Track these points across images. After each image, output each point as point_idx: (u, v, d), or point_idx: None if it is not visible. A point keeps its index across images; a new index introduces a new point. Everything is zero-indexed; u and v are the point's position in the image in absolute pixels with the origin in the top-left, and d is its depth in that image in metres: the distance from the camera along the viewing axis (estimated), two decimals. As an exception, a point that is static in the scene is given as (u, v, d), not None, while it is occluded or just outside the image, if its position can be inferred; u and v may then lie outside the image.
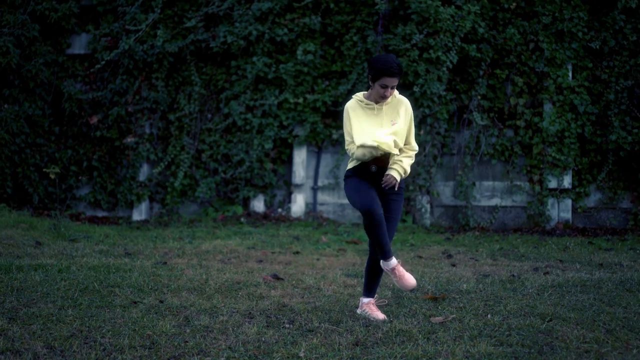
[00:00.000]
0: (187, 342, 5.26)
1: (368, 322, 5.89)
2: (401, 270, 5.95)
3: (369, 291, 6.24)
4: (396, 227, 6.18)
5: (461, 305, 6.47)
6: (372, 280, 6.26)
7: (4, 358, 4.76)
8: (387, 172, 5.93)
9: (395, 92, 5.99)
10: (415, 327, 5.72)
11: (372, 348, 5.20)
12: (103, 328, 5.53)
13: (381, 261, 6.01)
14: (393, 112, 5.97)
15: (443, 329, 5.67)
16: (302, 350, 5.12)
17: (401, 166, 5.94)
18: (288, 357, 4.98)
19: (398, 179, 5.92)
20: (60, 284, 6.93)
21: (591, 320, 5.86)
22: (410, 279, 5.94)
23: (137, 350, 5.03)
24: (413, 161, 6.08)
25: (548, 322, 5.81)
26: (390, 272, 5.96)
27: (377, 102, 5.95)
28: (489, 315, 6.06)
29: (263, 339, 5.39)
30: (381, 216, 5.85)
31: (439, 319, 5.98)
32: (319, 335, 5.53)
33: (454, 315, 6.06)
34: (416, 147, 6.10)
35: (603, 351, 5.09)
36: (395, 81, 5.82)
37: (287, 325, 5.81)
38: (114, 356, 4.90)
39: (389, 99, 5.95)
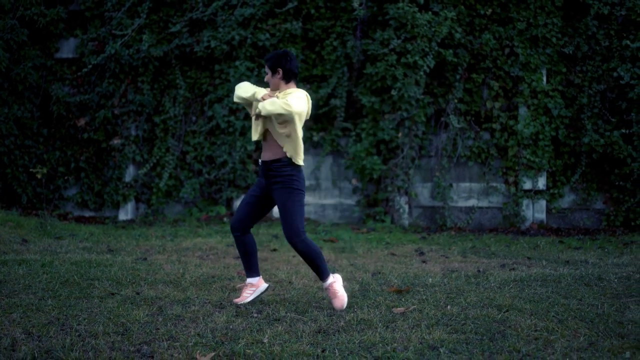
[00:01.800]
0: (158, 329, 5.56)
1: (332, 312, 6.20)
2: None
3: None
4: (290, 219, 6.33)
5: (424, 297, 6.78)
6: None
7: (-17, 343, 5.06)
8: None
9: (290, 89, 6.41)
10: (376, 316, 6.03)
11: (333, 335, 5.50)
12: (80, 316, 5.83)
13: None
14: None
15: (403, 318, 5.98)
16: (266, 336, 5.42)
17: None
18: (253, 343, 5.27)
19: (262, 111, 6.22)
20: (42, 277, 7.23)
21: (545, 311, 6.16)
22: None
23: (110, 336, 5.33)
24: (279, 106, 6.16)
25: (504, 312, 6.11)
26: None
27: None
28: (448, 307, 6.37)
29: (231, 327, 5.69)
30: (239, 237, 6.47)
31: (400, 309, 6.28)
32: (284, 323, 5.84)
33: (415, 306, 6.36)
34: (292, 105, 6.19)
35: (552, 338, 5.39)
36: (265, 64, 6.50)
37: (255, 315, 6.11)
38: (87, 341, 5.19)
39: (284, 93, 6.36)
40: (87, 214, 14.00)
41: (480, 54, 13.00)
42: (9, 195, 13.80)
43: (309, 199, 13.48)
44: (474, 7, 13.04)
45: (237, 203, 13.54)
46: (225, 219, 12.97)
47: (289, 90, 6.38)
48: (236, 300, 6.52)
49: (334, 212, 13.38)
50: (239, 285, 7.09)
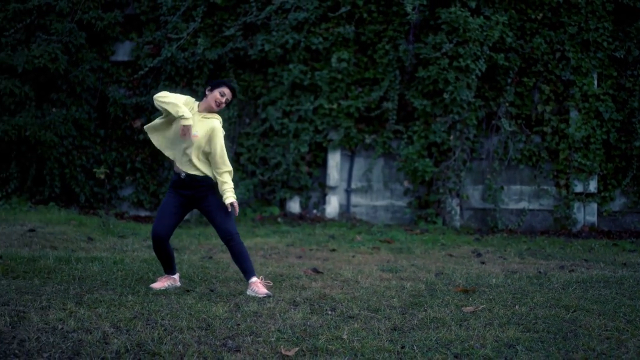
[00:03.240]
0: (239, 324, 5.75)
1: (404, 310, 6.36)
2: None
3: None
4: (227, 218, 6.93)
5: (490, 297, 6.91)
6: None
7: (76, 335, 5.26)
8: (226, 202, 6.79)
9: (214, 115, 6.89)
10: (448, 315, 6.17)
11: (409, 332, 5.65)
12: (162, 312, 6.03)
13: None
14: (206, 127, 6.80)
15: (474, 317, 6.12)
16: (345, 333, 5.59)
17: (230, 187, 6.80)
18: (332, 339, 5.44)
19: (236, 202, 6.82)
20: (117, 274, 7.46)
21: (613, 312, 6.27)
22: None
23: (194, 331, 5.52)
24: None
25: (572, 312, 6.23)
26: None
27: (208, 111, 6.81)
28: (516, 306, 6.49)
29: (308, 323, 5.86)
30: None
31: (470, 308, 6.42)
32: (359, 320, 6.00)
33: (484, 306, 6.50)
34: (229, 167, 6.88)
35: (623, 338, 5.50)
36: (230, 95, 6.83)
37: (329, 312, 6.28)
38: (174, 335, 5.38)
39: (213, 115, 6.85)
40: (143, 213, 14.27)
41: (531, 58, 13.10)
42: (67, 195, 14.09)
43: (360, 200, 13.66)
44: (525, 12, 13.14)
45: (290, 204, 13.73)
46: (279, 220, 13.16)
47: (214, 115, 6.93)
48: (153, 284, 7.05)
49: (385, 213, 13.54)
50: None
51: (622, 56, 12.86)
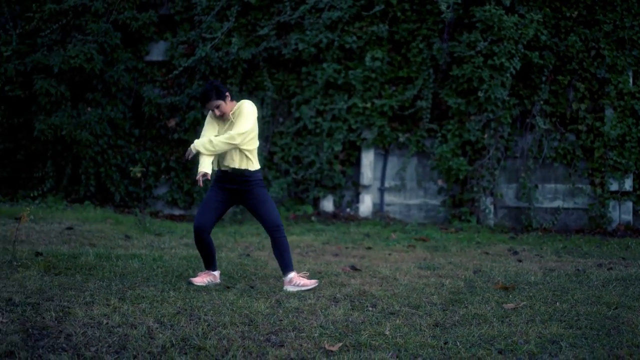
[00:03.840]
0: (281, 320, 5.80)
1: (445, 307, 6.38)
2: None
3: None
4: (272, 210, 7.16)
5: (530, 294, 6.91)
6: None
7: (121, 330, 5.33)
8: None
9: (239, 104, 7.07)
10: (489, 311, 6.19)
11: (451, 329, 5.67)
12: (204, 307, 6.09)
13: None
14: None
15: (515, 313, 6.13)
16: (387, 329, 5.62)
17: (200, 142, 6.95)
18: (375, 335, 5.47)
19: (192, 150, 6.96)
20: (157, 271, 7.53)
21: (654, 309, 6.28)
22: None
23: (238, 327, 5.58)
24: (223, 143, 6.90)
25: (614, 309, 6.23)
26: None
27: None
28: (557, 303, 6.50)
29: (350, 320, 5.90)
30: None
31: (511, 305, 6.43)
32: (400, 317, 6.03)
33: (524, 303, 6.51)
34: (236, 138, 6.91)
35: (666, 335, 5.51)
36: (213, 104, 6.95)
37: (370, 308, 6.31)
38: (218, 330, 5.44)
39: (231, 114, 7.04)
40: (177, 212, 14.36)
41: (566, 56, 13.05)
42: (102, 193, 14.21)
43: (393, 199, 13.67)
44: (559, 10, 13.09)
45: (323, 203, 13.77)
46: (313, 218, 13.21)
47: (236, 106, 7.11)
48: (194, 279, 7.12)
49: (418, 212, 13.54)
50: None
51: (658, 54, 12.80)
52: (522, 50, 12.78)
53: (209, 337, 5.26)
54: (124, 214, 12.94)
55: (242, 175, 7.04)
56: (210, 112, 7.06)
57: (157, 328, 5.44)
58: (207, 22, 14.11)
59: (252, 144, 7.06)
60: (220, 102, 6.89)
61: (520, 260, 9.23)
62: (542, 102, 13.07)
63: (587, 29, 12.99)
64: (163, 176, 14.40)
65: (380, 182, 13.73)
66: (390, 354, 5.04)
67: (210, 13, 14.16)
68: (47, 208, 12.70)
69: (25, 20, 14.66)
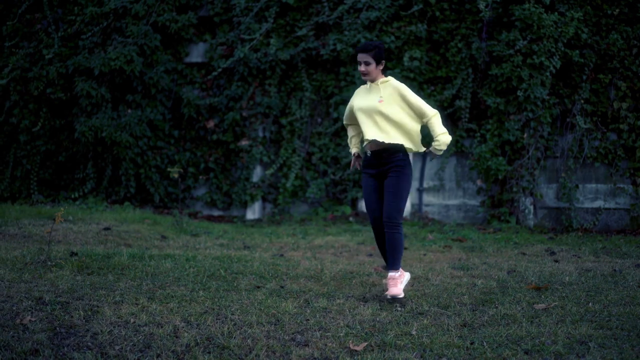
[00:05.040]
0: (308, 320, 5.79)
1: (475, 307, 6.32)
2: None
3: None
4: (397, 199, 6.64)
5: (563, 294, 6.82)
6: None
7: (147, 329, 5.36)
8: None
9: (390, 78, 6.74)
10: (519, 312, 6.12)
11: (479, 329, 5.62)
12: (232, 307, 6.10)
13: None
14: (386, 93, 6.68)
15: (546, 314, 6.06)
16: (414, 329, 5.59)
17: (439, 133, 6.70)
18: (401, 334, 5.45)
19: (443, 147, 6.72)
20: (189, 271, 7.57)
21: (689, 310, 6.16)
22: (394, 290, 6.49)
23: (264, 326, 5.58)
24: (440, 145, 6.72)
25: (648, 310, 6.13)
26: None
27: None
28: (590, 304, 6.41)
29: (377, 319, 5.87)
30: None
31: (542, 305, 6.36)
32: (428, 317, 5.99)
33: (556, 303, 6.43)
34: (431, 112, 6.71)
35: (701, 336, 5.40)
36: (365, 57, 6.64)
37: (399, 309, 6.28)
38: (244, 330, 5.45)
39: (381, 81, 6.71)
40: (216, 213, 14.43)
41: (607, 54, 12.87)
42: (142, 194, 14.32)
43: (432, 199, 13.59)
44: (600, 7, 12.92)
45: (361, 203, 13.73)
46: (351, 219, 13.18)
47: (385, 79, 6.75)
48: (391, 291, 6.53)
49: (457, 212, 13.45)
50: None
51: (701, 51, 12.58)
52: (562, 48, 12.63)
53: (234, 336, 5.27)
54: (163, 215, 13.04)
55: (380, 157, 6.71)
56: (362, 87, 6.89)
57: (183, 327, 5.47)
58: (246, 23, 14.16)
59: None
60: (373, 62, 6.66)
61: (557, 261, 9.12)
62: (582, 101, 12.91)
63: (628, 27, 12.80)
64: (201, 177, 14.48)
65: (419, 183, 13.67)
66: (414, 353, 5.02)
67: (249, 14, 14.20)
68: (87, 209, 12.84)
69: (67, 23, 14.87)
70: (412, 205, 13.63)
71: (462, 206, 13.49)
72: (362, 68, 6.66)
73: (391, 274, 6.57)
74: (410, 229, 12.21)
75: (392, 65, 13.60)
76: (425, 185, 13.64)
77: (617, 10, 12.86)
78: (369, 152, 6.71)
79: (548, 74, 12.61)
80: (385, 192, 6.62)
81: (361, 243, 10.66)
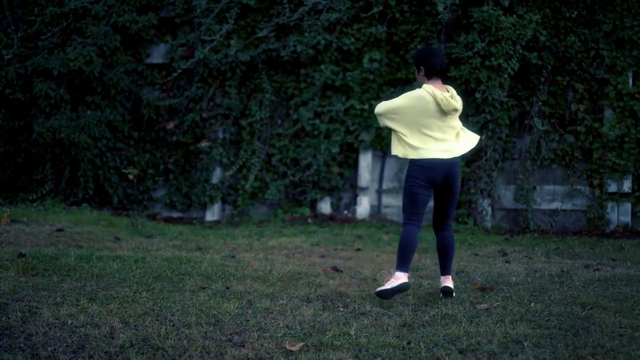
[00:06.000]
0: (248, 320, 5.76)
1: (417, 307, 6.32)
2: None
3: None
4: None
5: (507, 295, 6.84)
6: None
7: (84, 330, 5.32)
8: None
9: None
10: (460, 312, 6.13)
11: (418, 329, 5.62)
12: (173, 308, 6.06)
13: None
14: None
15: (487, 314, 6.06)
16: (353, 329, 5.58)
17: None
18: (340, 335, 5.43)
19: None
20: (135, 272, 7.52)
21: (630, 309, 6.17)
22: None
23: (202, 327, 5.55)
24: None
25: (588, 310, 6.14)
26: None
27: None
28: (532, 304, 6.42)
29: (318, 320, 5.86)
30: None
31: (484, 305, 6.37)
32: (370, 317, 5.98)
33: (498, 303, 6.44)
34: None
35: (636, 335, 5.40)
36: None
37: (341, 309, 6.27)
38: (181, 331, 5.42)
39: None
40: (175, 214, 14.38)
41: (565, 57, 12.95)
42: (100, 196, 14.25)
43: (391, 201, 13.62)
44: (559, 10, 13.01)
45: (321, 205, 13.74)
46: (309, 220, 13.18)
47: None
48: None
49: (417, 214, 13.47)
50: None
51: (658, 54, 12.68)
52: (521, 51, 12.70)
53: (170, 337, 5.24)
54: (120, 217, 12.97)
55: None
56: None
57: (120, 328, 5.42)
58: (207, 24, 14.13)
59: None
60: (415, 69, 6.77)
61: (508, 262, 9.15)
62: (540, 103, 12.99)
63: (586, 29, 12.89)
64: (160, 179, 14.41)
65: (378, 184, 13.69)
66: (349, 354, 5.00)
67: (210, 15, 14.18)
68: (44, 210, 12.74)
69: (26, 24, 14.78)
70: (372, 207, 13.65)
71: (421, 208, 13.49)
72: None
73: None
74: (367, 230, 12.22)
75: (352, 67, 13.63)
76: (384, 187, 13.66)
77: (575, 13, 12.94)
78: None
79: (506, 76, 12.68)
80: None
81: (315, 244, 10.65)
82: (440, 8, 12.79)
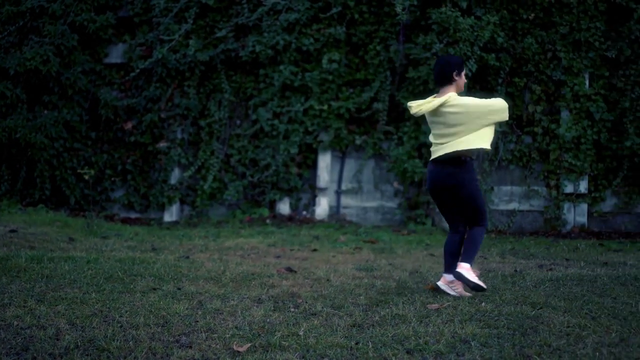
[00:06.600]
0: (197, 321, 5.72)
1: (368, 308, 6.32)
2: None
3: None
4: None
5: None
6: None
7: (29, 331, 5.26)
8: None
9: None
10: (411, 312, 6.13)
11: (368, 329, 5.61)
12: (122, 309, 6.01)
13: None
14: None
15: (437, 314, 6.07)
16: (302, 329, 5.56)
17: None
18: (288, 335, 5.41)
19: None
20: (87, 273, 7.44)
21: (579, 309, 6.20)
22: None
23: (150, 328, 5.51)
24: None
25: (538, 309, 6.16)
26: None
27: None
28: (483, 303, 6.44)
29: (268, 320, 5.83)
30: None
31: (435, 305, 6.38)
32: (320, 318, 5.96)
33: (449, 303, 6.45)
34: None
35: (583, 334, 5.43)
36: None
37: (292, 309, 6.25)
38: (129, 332, 5.37)
39: None
40: (133, 215, 14.28)
41: (522, 58, 13.03)
42: (58, 197, 14.12)
43: (350, 201, 13.62)
44: (516, 12, 13.08)
45: (279, 205, 13.71)
46: (268, 221, 13.15)
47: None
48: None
49: (375, 214, 13.49)
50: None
51: (613, 56, 12.75)
52: (479, 52, 12.74)
53: (117, 338, 5.19)
54: (76, 218, 12.85)
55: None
56: None
57: (67, 329, 5.37)
58: (165, 24, 14.05)
59: None
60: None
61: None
62: (498, 105, 13.02)
63: (543, 31, 12.98)
64: (116, 180, 14.30)
65: (337, 185, 13.69)
66: (297, 354, 4.99)
67: (169, 15, 14.10)
68: (-1, 212, 12.61)
69: (-18, 23, 14.62)
70: (331, 208, 13.65)
71: (379, 208, 13.54)
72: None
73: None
74: (325, 231, 12.22)
75: (311, 67, 13.63)
76: (343, 187, 13.67)
77: (533, 14, 13.02)
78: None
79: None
80: None
81: (272, 245, 10.62)
82: (398, 9, 12.80)
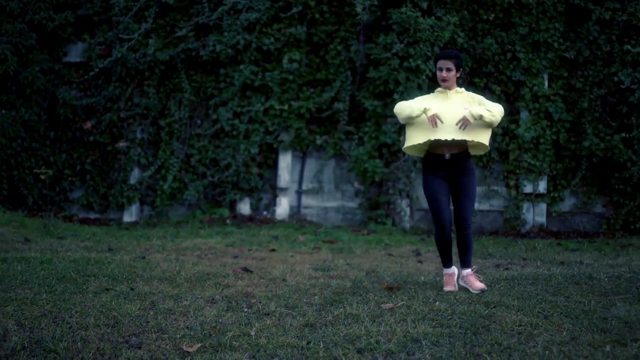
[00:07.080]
0: (148, 322, 5.66)
1: (322, 307, 6.29)
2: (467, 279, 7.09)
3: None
4: (473, 202, 7.01)
5: (414, 294, 6.84)
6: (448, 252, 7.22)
7: (-24, 334, 5.19)
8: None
9: (463, 89, 6.88)
10: (364, 312, 6.11)
11: (320, 329, 5.58)
12: (72, 310, 5.93)
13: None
14: (465, 101, 6.81)
15: (390, 313, 6.05)
16: (254, 329, 5.52)
17: (477, 112, 6.66)
18: (240, 335, 5.37)
19: (470, 119, 6.65)
20: (39, 273, 7.35)
21: (532, 308, 6.22)
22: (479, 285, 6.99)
23: (100, 328, 5.44)
24: (494, 117, 6.69)
25: (491, 308, 6.17)
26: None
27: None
28: (437, 303, 6.44)
29: (220, 320, 5.79)
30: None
31: (389, 305, 6.36)
32: (273, 317, 5.93)
33: (404, 302, 6.44)
34: (497, 107, 6.78)
35: (535, 332, 5.44)
36: (447, 63, 6.69)
37: (245, 309, 6.20)
38: (77, 333, 5.30)
39: (456, 90, 6.83)
40: (92, 215, 14.16)
41: (482, 59, 13.09)
42: (15, 197, 13.97)
43: (311, 201, 13.60)
44: (477, 12, 13.13)
45: (240, 205, 13.66)
46: (228, 221, 13.09)
47: (460, 89, 6.86)
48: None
49: (336, 214, 13.48)
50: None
51: (572, 57, 12.85)
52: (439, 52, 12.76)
53: (65, 339, 5.12)
54: (34, 218, 12.72)
55: (455, 159, 6.86)
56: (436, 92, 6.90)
57: (15, 330, 5.29)
58: (125, 23, 13.95)
59: None
60: (453, 69, 6.71)
61: (420, 262, 9.20)
62: (459, 105, 13.07)
63: (503, 32, 13.05)
64: (75, 180, 14.17)
65: (298, 185, 13.66)
66: (247, 354, 4.95)
67: (128, 14, 14.00)
68: (-45, 212, 12.46)
69: (-62, 21, 14.43)
70: (291, 208, 13.63)
71: (340, 208, 13.53)
72: (443, 74, 6.74)
73: (468, 271, 7.10)
74: (285, 231, 12.19)
75: (271, 67, 13.59)
76: (304, 187, 13.64)
77: (493, 15, 13.08)
78: (447, 155, 6.78)
79: (424, 77, 12.75)
80: (461, 194, 6.90)
81: (230, 245, 10.57)
82: (359, 9, 12.80)
